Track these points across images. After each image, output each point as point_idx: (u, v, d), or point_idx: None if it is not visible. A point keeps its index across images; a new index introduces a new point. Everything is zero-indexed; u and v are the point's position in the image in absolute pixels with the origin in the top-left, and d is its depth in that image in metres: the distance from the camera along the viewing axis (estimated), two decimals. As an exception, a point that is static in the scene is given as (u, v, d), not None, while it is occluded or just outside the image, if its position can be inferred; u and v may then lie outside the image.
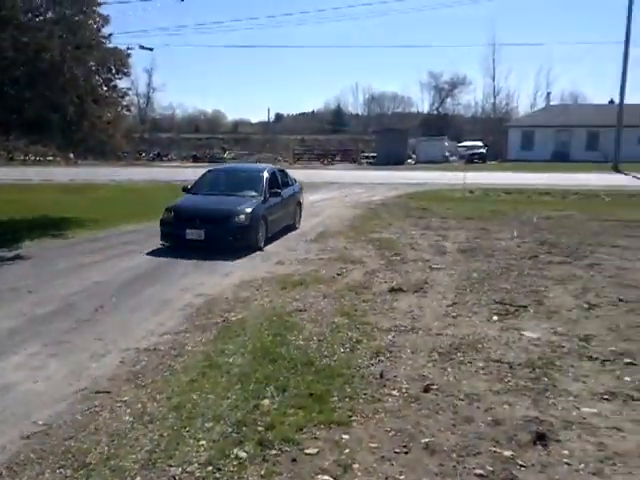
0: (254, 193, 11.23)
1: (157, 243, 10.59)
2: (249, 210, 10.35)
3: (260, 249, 10.43)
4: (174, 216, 10.44)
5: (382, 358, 4.96)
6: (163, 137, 70.82)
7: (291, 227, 12.91)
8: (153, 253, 9.88)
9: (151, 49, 28.97)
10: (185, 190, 11.98)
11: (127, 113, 17.16)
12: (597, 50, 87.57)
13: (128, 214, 14.90)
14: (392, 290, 7.27)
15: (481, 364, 4.81)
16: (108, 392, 4.34)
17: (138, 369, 4.79)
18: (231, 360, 4.87)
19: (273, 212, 11.40)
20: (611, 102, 50.66)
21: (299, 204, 13.70)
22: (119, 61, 13.73)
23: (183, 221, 10.19)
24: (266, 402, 4.07)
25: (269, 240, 11.06)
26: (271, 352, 5.01)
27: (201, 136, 74.99)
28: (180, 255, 9.68)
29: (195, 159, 55.19)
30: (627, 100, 38.42)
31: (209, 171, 13.26)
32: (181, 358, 4.99)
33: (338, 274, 8.17)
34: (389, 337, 5.50)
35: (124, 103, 15.17)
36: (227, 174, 13.20)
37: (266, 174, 11.90)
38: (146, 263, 9.09)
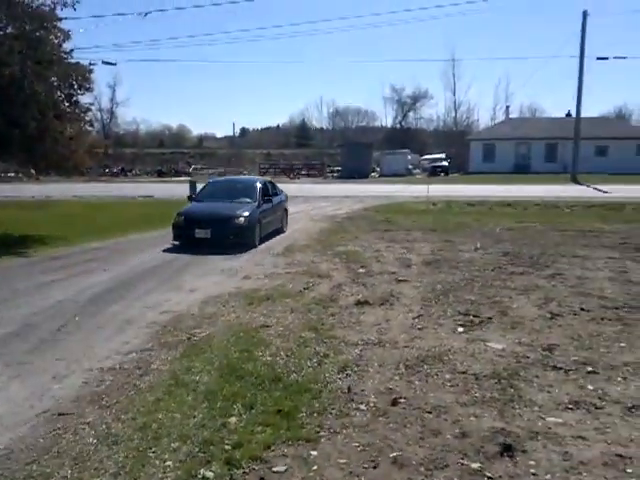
0: (249, 200, 13.19)
1: (122, 260, 10.52)
2: (246, 214, 12.33)
3: (255, 246, 12.25)
4: (184, 219, 12.37)
5: (349, 372, 4.96)
6: (127, 152, 70.13)
7: (279, 230, 14.62)
8: (117, 270, 9.72)
9: (114, 64, 28.84)
10: (190, 198, 14.46)
11: (90, 129, 16.98)
12: (554, 63, 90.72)
13: (92, 231, 14.66)
14: (359, 303, 7.30)
15: (448, 376, 4.86)
16: (71, 414, 4.23)
17: (102, 389, 4.69)
18: (197, 378, 4.81)
19: (266, 216, 13.45)
20: (568, 115, 52.27)
21: (285, 211, 15.56)
22: (81, 76, 13.59)
23: (193, 223, 12.19)
24: (233, 420, 4.03)
25: (262, 240, 12.86)
26: (238, 369, 4.96)
27: (166, 151, 74.48)
28: (145, 272, 9.58)
29: (160, 174, 54.85)
30: (583, 113, 39.63)
31: (210, 182, 15.75)
32: (146, 377, 4.91)
33: (305, 288, 8.17)
34: (356, 351, 5.51)
35: (87, 118, 15.02)
36: (226, 184, 15.73)
37: (259, 184, 14.08)
38: (110, 280, 8.93)
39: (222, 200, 13.20)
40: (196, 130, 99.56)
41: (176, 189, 30.09)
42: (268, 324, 6.38)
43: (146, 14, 25.96)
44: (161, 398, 4.43)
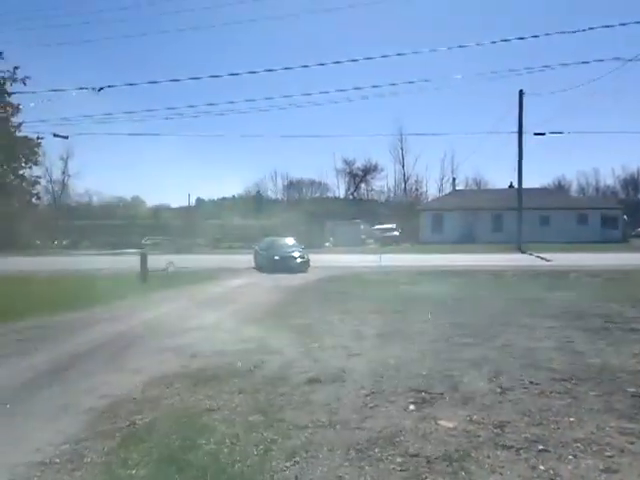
0: (300, 248, 27.34)
1: (62, 339, 10.08)
2: (302, 254, 26.17)
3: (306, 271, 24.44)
4: (266, 257, 25.69)
5: (298, 459, 4.73)
6: (79, 224, 68.95)
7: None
8: (54, 351, 9.25)
9: (66, 137, 28.67)
10: (257, 249, 27.91)
11: (37, 202, 16.67)
12: (495, 137, 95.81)
13: (30, 308, 14.05)
14: (310, 381, 7.10)
15: (399, 460, 4.68)
16: (-9, 519, 3.86)
17: (28, 488, 4.32)
18: (134, 472, 4.49)
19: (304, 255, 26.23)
20: (511, 186, 54.56)
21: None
22: (28, 150, 13.43)
23: (272, 260, 25.31)
24: (170, 519, 3.75)
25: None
26: (179, 460, 4.67)
27: (119, 222, 73.51)
28: (85, 355, 9.16)
29: (112, 246, 53.88)
30: (525, 184, 41.41)
31: (265, 241, 29.37)
32: (78, 472, 4.55)
33: (255, 366, 7.92)
34: (306, 434, 5.29)
35: (34, 192, 14.74)
36: (273, 241, 28.62)
37: (294, 240, 29.03)
38: (45, 363, 8.46)
39: (277, 249, 26.64)
40: (151, 201, 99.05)
41: (127, 261, 29.52)
42: (214, 408, 6.11)
43: (100, 89, 26.21)
44: (92, 496, 4.10)
